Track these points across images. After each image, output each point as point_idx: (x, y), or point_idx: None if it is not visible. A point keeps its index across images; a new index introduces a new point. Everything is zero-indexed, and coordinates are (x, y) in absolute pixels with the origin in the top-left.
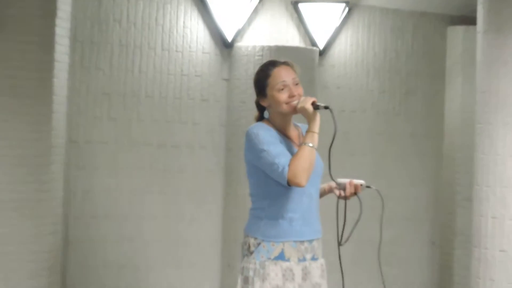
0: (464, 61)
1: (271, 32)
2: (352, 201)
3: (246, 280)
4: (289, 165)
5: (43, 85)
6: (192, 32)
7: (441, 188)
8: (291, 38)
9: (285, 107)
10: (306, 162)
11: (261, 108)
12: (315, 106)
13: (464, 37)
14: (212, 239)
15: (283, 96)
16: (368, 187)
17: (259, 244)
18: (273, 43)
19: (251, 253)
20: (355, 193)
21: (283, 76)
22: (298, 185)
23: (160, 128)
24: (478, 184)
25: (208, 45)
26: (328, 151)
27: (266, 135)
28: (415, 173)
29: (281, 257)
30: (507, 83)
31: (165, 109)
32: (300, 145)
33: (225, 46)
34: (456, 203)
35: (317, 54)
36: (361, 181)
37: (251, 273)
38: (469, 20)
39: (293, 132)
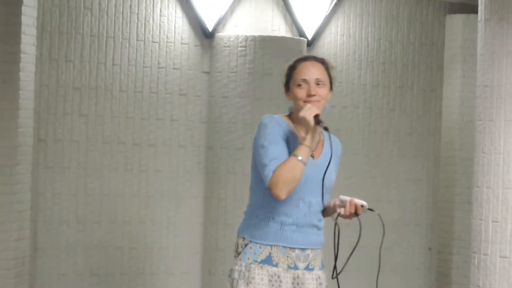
0: (464, 52)
1: (255, 21)
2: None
3: (232, 283)
4: (273, 172)
5: (8, 79)
6: (169, 21)
7: (439, 190)
8: (277, 27)
9: (302, 105)
10: (290, 175)
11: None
12: (317, 121)
13: (464, 26)
14: (191, 245)
15: (300, 93)
16: (370, 209)
17: (246, 245)
18: (257, 33)
19: (238, 254)
20: (356, 214)
21: (306, 72)
22: (277, 197)
23: (135, 125)
24: (478, 186)
25: (187, 35)
26: (323, 176)
27: (273, 130)
28: (411, 173)
29: (268, 261)
30: (510, 76)
31: (140, 105)
32: (291, 155)
33: (205, 36)
34: (455, 206)
35: (305, 45)
36: (363, 202)
37: (236, 275)
38: (470, 8)
39: (312, 138)
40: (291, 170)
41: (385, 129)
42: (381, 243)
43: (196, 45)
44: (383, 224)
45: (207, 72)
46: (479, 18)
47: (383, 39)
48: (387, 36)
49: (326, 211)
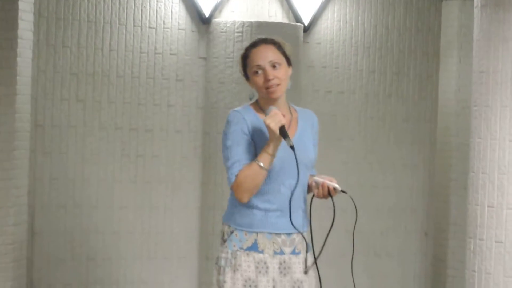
0: (460, 38)
1: (252, 7)
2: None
3: (218, 270)
4: (235, 176)
5: (5, 65)
6: (166, 7)
7: (435, 176)
8: (273, 13)
9: (265, 93)
10: (252, 182)
11: None
12: (282, 133)
13: (460, 12)
14: (188, 230)
15: (259, 81)
16: (343, 192)
17: (232, 232)
18: (254, 18)
19: (224, 241)
20: (330, 195)
21: (258, 58)
22: (239, 200)
23: (132, 111)
24: (473, 171)
25: (184, 20)
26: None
27: (236, 128)
28: (407, 159)
29: (254, 248)
30: (506, 62)
31: (137, 90)
32: (253, 161)
33: (202, 22)
34: (451, 191)
35: (302, 30)
36: (335, 185)
37: (222, 263)
38: None
39: (285, 116)
40: (252, 177)
41: (381, 115)
42: (354, 226)
43: (193, 31)
44: (355, 206)
45: (204, 58)
46: (475, 4)
47: (379, 25)
48: (383, 22)
49: (309, 188)
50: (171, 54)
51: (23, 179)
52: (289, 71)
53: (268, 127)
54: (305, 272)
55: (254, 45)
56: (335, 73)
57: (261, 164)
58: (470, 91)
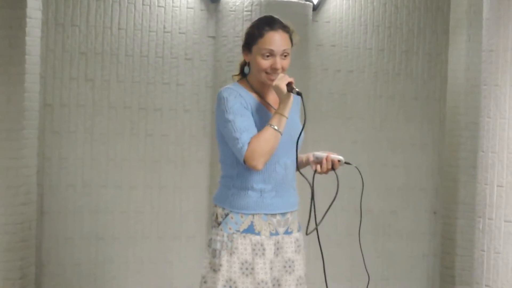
0: (470, 17)
1: None
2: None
3: (214, 253)
4: (248, 144)
5: (14, 44)
6: None
7: (444, 154)
8: None
9: (263, 76)
10: (267, 146)
11: (243, 65)
12: (290, 88)
13: None
14: (197, 209)
15: (265, 64)
16: (347, 163)
17: (227, 215)
18: None
19: (219, 224)
20: (333, 169)
21: (273, 43)
22: (254, 168)
23: (140, 90)
24: (483, 150)
25: None
26: (296, 141)
27: (235, 102)
28: (416, 138)
29: (250, 230)
30: None
31: (146, 69)
32: (266, 125)
33: (211, 1)
34: (460, 170)
35: (311, 9)
36: (340, 157)
37: (218, 246)
38: None
39: (272, 96)
40: (267, 141)
41: (390, 94)
42: (361, 195)
43: (201, 10)
44: (361, 177)
45: (213, 37)
46: None
47: (388, 4)
48: (392, 0)
49: (301, 165)
50: (180, 33)
51: (32, 158)
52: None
53: (276, 87)
54: (308, 234)
55: (272, 26)
56: (344, 52)
57: (275, 127)
58: (479, 69)
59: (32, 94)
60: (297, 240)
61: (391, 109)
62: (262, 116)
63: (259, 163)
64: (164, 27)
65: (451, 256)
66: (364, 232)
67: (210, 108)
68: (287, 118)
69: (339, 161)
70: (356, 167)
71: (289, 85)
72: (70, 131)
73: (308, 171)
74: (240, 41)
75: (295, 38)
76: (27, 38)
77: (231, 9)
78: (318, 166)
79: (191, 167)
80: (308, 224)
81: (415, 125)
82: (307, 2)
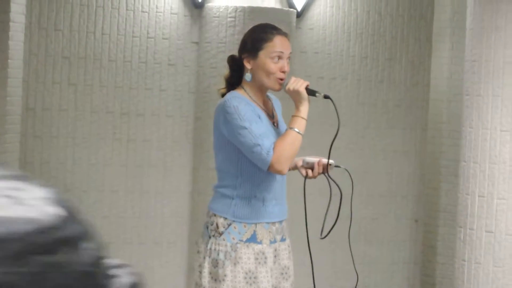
0: (453, 25)
1: None
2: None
3: (215, 263)
4: (274, 150)
5: None
6: None
7: (426, 162)
8: None
9: (271, 80)
10: (292, 149)
11: (235, 69)
12: (310, 92)
13: None
14: (179, 215)
15: (274, 67)
16: (337, 166)
17: (229, 224)
18: (246, 3)
19: (220, 234)
20: (323, 173)
21: (283, 46)
22: (280, 172)
23: (123, 95)
24: (464, 160)
25: (177, 5)
26: (329, 147)
27: (247, 110)
28: (398, 145)
29: (253, 239)
30: (499, 51)
31: (129, 74)
32: (287, 129)
33: (195, 6)
34: (441, 178)
35: (295, 16)
36: (331, 161)
37: (221, 256)
38: None
39: (267, 104)
40: (291, 145)
41: (373, 101)
42: (351, 196)
43: (185, 15)
44: (351, 178)
45: (196, 43)
46: None
47: (372, 11)
48: (376, 8)
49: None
50: (163, 38)
51: (14, 162)
52: None
53: (294, 91)
54: (323, 237)
55: (278, 30)
56: (328, 59)
57: (297, 130)
58: (462, 78)
59: (15, 98)
60: (289, 246)
61: (373, 116)
62: (268, 125)
63: (285, 167)
64: (148, 33)
65: (432, 264)
66: (344, 238)
67: (192, 113)
68: (306, 120)
69: (330, 164)
70: (346, 169)
71: (307, 88)
72: (52, 135)
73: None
74: (223, 47)
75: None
76: (10, 42)
77: (215, 15)
78: (310, 171)
79: (173, 173)
80: (322, 228)
81: (397, 133)
82: (291, 9)
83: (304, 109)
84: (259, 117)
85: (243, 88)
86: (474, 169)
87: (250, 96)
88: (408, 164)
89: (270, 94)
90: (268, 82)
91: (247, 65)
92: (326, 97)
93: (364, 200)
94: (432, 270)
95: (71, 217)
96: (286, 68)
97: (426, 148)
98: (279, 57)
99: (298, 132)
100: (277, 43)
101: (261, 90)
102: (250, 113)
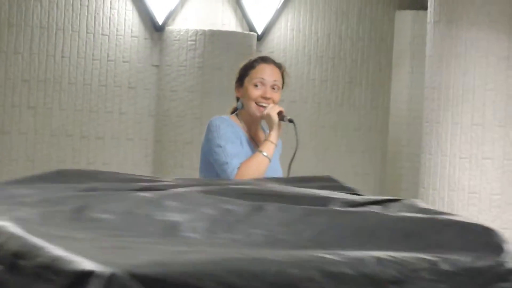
0: (413, 48)
1: (205, 15)
2: None
3: None
4: (238, 169)
5: None
6: (119, 14)
7: (386, 185)
8: (227, 22)
9: (253, 107)
10: (257, 171)
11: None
12: (281, 117)
13: (413, 22)
14: None
15: (255, 93)
16: (290, 121)
17: None
18: (207, 27)
19: None
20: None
21: (264, 73)
22: None
23: (83, 118)
24: (423, 187)
25: (137, 28)
26: (288, 166)
27: (227, 131)
28: (358, 168)
29: None
30: (458, 78)
31: (89, 97)
32: (255, 151)
33: (155, 30)
34: None
35: (255, 39)
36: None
37: None
38: (419, 4)
39: (260, 135)
40: (256, 166)
41: (333, 124)
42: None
43: (145, 38)
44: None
45: (157, 66)
46: (428, 20)
47: (332, 34)
48: (336, 31)
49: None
50: (123, 61)
51: None
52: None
53: (267, 116)
54: None
55: (265, 60)
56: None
57: (264, 153)
58: (421, 101)
59: None
60: None
61: (333, 139)
62: (248, 152)
63: None
64: (108, 56)
65: None
66: None
67: (152, 136)
68: (275, 145)
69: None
70: (291, 120)
71: (279, 113)
72: (11, 158)
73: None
74: (184, 70)
75: (286, 77)
76: None
77: (175, 38)
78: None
79: None
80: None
81: (357, 155)
82: (251, 33)
83: (274, 133)
84: (240, 141)
85: (236, 114)
86: (433, 196)
87: (240, 122)
88: (368, 187)
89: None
90: (250, 108)
91: (236, 93)
92: (290, 121)
93: None
94: None
95: None
96: (268, 94)
97: (386, 171)
98: (261, 83)
99: (266, 156)
100: (259, 70)
101: (252, 118)
102: (229, 134)
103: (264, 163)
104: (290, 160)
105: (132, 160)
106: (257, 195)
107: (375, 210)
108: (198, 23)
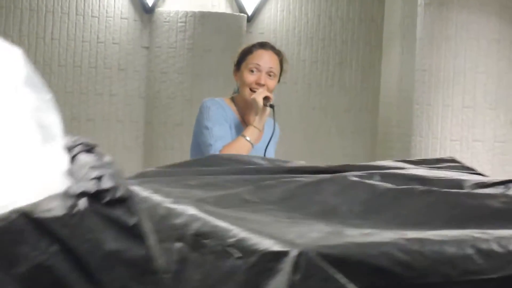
0: (403, 29)
1: None
2: None
3: None
4: (219, 151)
5: None
6: None
7: None
8: (217, 3)
9: (247, 92)
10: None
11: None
12: (266, 102)
13: (403, 3)
14: None
15: (250, 78)
16: (271, 106)
17: None
18: (197, 8)
19: None
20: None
21: (261, 59)
22: None
23: (73, 100)
24: None
25: (127, 9)
26: (264, 151)
27: (216, 113)
28: (348, 149)
29: None
30: (449, 61)
31: (79, 80)
32: (239, 136)
33: (145, 11)
34: None
35: (245, 20)
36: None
37: None
38: None
39: (252, 121)
40: (238, 150)
41: (323, 105)
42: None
43: (135, 20)
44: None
45: (147, 47)
46: (418, 3)
47: (322, 15)
48: (326, 12)
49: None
50: (113, 43)
51: None
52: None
53: (253, 100)
54: None
55: (263, 46)
56: None
57: (247, 138)
58: (412, 82)
59: None
60: None
61: (323, 120)
62: (236, 136)
63: None
64: (98, 37)
65: None
66: None
67: (143, 118)
68: (260, 130)
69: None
70: (272, 105)
71: (265, 99)
72: None
73: None
74: (173, 52)
75: (285, 65)
76: None
77: (165, 20)
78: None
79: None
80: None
81: (347, 137)
82: (241, 14)
83: (258, 118)
84: (230, 125)
85: (232, 98)
86: None
87: (234, 105)
88: None
89: (270, 118)
90: (243, 93)
91: (234, 77)
92: (271, 106)
93: None
94: None
95: None
96: (263, 81)
97: (376, 152)
98: (257, 69)
99: (248, 141)
100: (256, 56)
101: (246, 103)
102: (218, 116)
103: (245, 148)
104: (267, 143)
105: (122, 142)
106: (401, 179)
107: (501, 191)
108: (188, 5)
